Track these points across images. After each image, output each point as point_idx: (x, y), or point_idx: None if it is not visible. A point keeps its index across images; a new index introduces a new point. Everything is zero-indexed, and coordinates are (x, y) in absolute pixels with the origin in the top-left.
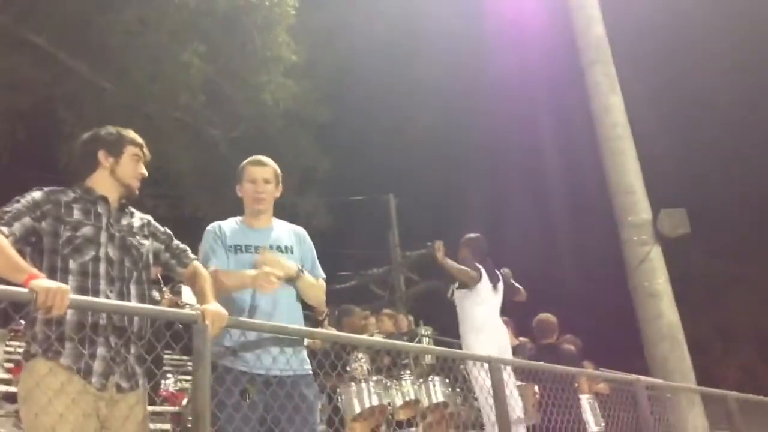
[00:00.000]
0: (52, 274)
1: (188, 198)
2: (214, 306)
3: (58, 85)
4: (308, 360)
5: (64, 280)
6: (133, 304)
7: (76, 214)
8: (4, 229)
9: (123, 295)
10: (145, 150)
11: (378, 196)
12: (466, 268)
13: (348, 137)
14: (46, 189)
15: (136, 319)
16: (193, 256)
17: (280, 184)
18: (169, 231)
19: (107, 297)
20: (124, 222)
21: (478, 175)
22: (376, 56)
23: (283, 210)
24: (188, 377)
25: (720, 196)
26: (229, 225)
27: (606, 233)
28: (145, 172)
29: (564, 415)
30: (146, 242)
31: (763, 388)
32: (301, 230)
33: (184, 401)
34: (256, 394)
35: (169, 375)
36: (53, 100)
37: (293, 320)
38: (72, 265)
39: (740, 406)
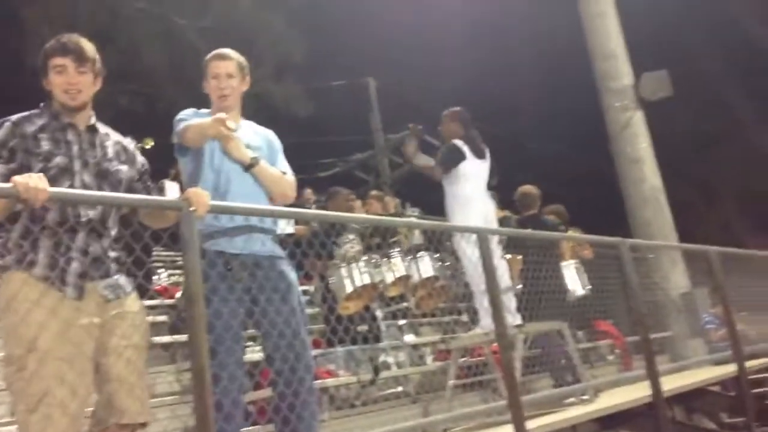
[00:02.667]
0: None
1: (163, 94)
2: (193, 189)
3: None
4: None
5: (43, 214)
6: (116, 194)
7: (45, 145)
8: None
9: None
10: (78, 49)
11: (357, 80)
12: (431, 165)
13: (323, 21)
14: (8, 123)
15: (112, 223)
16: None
17: (247, 77)
18: (146, 164)
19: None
20: (98, 147)
21: (455, 51)
22: None
23: (259, 99)
24: (181, 271)
25: (704, 54)
26: (201, 115)
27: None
28: (72, 79)
29: (547, 280)
30: (123, 168)
31: (744, 245)
32: (271, 132)
33: (179, 294)
34: (240, 273)
35: (161, 270)
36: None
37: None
38: None
39: (722, 263)
